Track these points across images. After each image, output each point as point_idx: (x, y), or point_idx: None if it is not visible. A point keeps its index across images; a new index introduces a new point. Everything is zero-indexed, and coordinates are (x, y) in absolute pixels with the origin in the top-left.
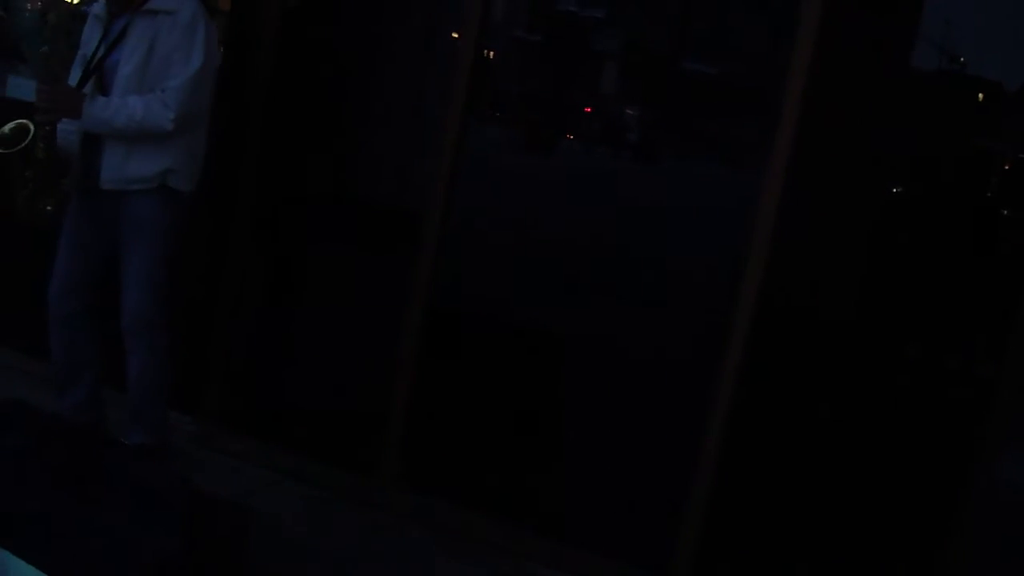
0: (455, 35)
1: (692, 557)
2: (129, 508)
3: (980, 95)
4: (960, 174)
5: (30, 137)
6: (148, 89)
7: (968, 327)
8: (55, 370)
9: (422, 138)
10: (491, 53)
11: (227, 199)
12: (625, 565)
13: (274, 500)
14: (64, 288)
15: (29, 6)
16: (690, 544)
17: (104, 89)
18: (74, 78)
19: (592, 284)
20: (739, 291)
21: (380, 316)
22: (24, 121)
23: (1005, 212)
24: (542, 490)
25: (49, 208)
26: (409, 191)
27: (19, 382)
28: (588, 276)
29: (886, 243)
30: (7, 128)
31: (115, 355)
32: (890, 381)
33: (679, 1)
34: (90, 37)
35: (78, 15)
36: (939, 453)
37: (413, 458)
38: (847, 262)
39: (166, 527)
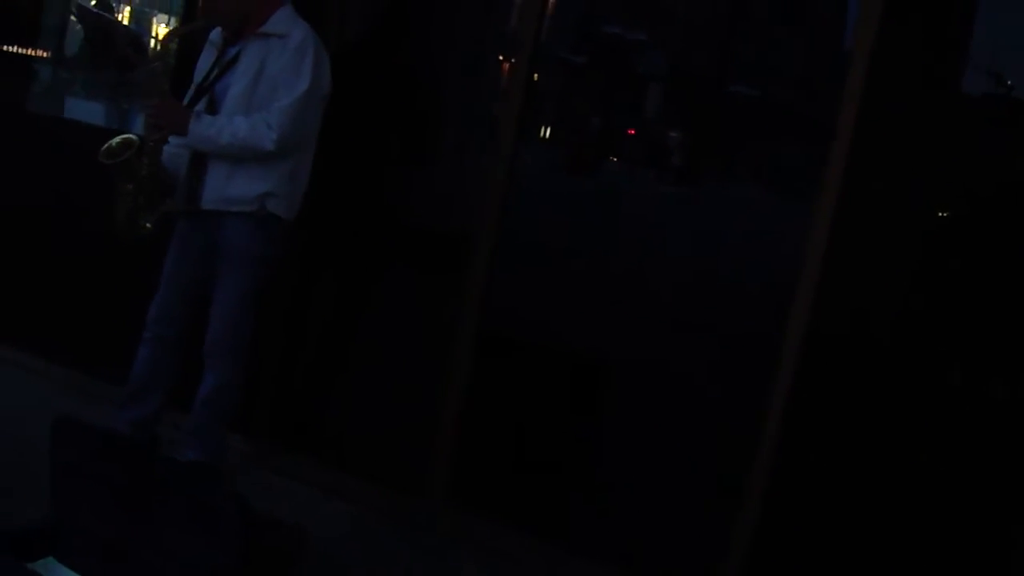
0: (500, 57)
1: None
2: (183, 524)
3: None
4: (1011, 200)
5: (132, 150)
6: (255, 110)
7: (1018, 355)
8: (129, 383)
9: (473, 162)
10: (536, 75)
11: None
12: None
13: (322, 519)
14: (163, 313)
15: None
16: (737, 573)
17: (214, 111)
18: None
19: (640, 307)
20: (789, 317)
21: (430, 337)
22: (131, 136)
23: None
24: (590, 513)
25: (148, 225)
26: (460, 214)
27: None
28: (635, 299)
29: (938, 269)
30: (115, 141)
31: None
32: (940, 409)
33: (725, 24)
34: (204, 64)
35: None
36: (993, 483)
37: (461, 479)
38: (899, 288)
39: (221, 544)
